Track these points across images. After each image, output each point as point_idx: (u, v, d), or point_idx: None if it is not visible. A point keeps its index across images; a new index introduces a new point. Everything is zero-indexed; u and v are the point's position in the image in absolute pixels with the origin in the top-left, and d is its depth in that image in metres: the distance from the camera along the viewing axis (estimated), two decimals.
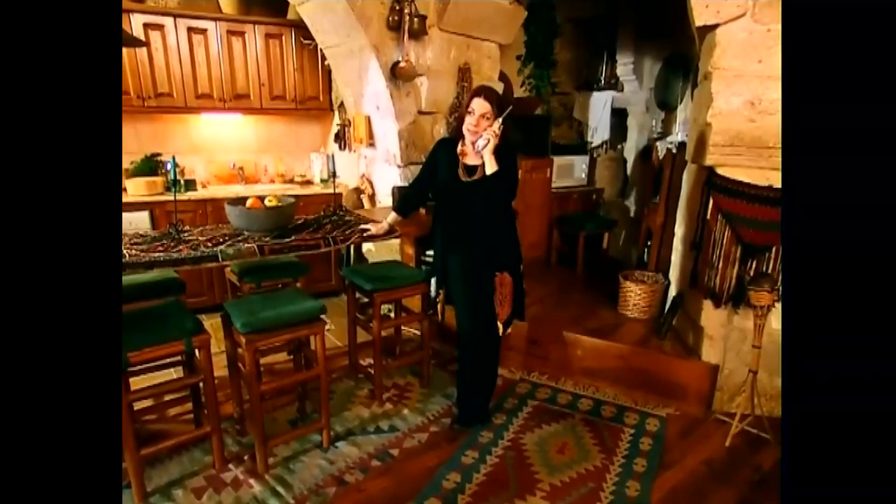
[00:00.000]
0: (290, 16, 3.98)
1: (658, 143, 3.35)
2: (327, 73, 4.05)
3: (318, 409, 2.58)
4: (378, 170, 3.54)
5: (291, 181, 4.36)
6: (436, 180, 2.41)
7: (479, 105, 2.19)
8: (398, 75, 2.97)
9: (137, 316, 2.09)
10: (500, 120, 2.18)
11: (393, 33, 2.97)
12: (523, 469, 2.24)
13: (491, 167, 2.19)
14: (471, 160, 2.30)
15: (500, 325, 2.41)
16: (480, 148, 2.19)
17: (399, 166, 3.31)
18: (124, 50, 3.40)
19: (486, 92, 2.23)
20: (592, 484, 2.14)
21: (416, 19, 2.88)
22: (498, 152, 2.19)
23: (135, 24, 3.43)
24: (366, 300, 2.76)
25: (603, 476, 2.19)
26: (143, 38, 3.45)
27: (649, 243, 3.46)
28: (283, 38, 3.90)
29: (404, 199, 2.63)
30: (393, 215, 2.54)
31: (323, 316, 2.23)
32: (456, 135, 2.36)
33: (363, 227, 2.54)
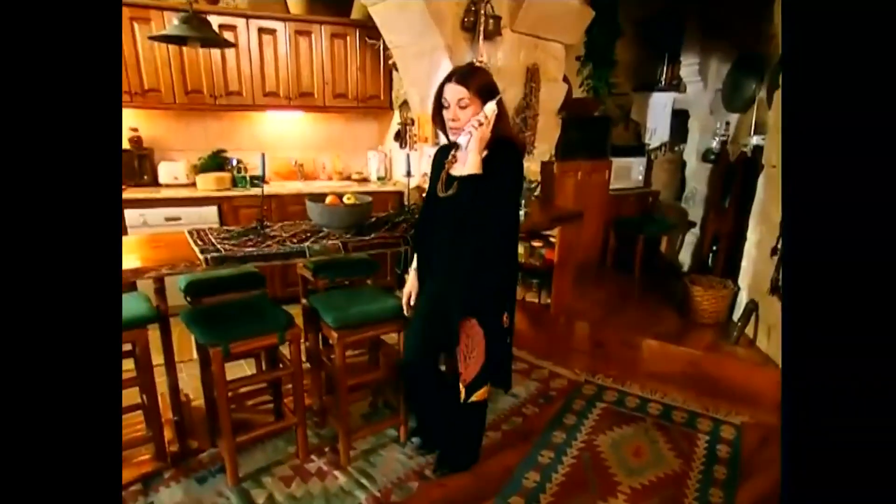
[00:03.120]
0: (354, 15, 4.06)
1: (730, 147, 3.30)
2: (388, 72, 4.11)
3: (389, 403, 2.64)
4: None
5: (348, 178, 4.44)
6: None
7: (452, 91, 1.69)
8: None
9: (235, 308, 2.18)
10: (494, 104, 1.69)
11: (466, 34, 2.99)
12: (601, 471, 2.24)
13: (472, 167, 1.67)
14: (457, 169, 1.80)
15: (461, 388, 1.91)
16: (463, 144, 1.71)
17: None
18: (202, 51, 3.51)
19: (457, 74, 1.72)
20: (673, 489, 2.14)
21: (491, 20, 2.90)
22: (495, 150, 1.72)
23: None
24: None
25: (683, 482, 2.18)
26: None
27: (715, 248, 3.41)
28: (348, 37, 3.97)
29: (416, 237, 2.11)
30: (416, 257, 2.09)
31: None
32: (440, 125, 1.87)
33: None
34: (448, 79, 1.72)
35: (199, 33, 2.49)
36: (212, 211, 3.69)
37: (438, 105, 1.77)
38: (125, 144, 3.75)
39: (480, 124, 1.67)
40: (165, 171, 3.83)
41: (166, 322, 2.24)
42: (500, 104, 1.72)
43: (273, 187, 4.08)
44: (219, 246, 2.21)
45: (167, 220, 3.54)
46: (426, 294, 1.98)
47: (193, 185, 3.85)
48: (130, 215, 3.45)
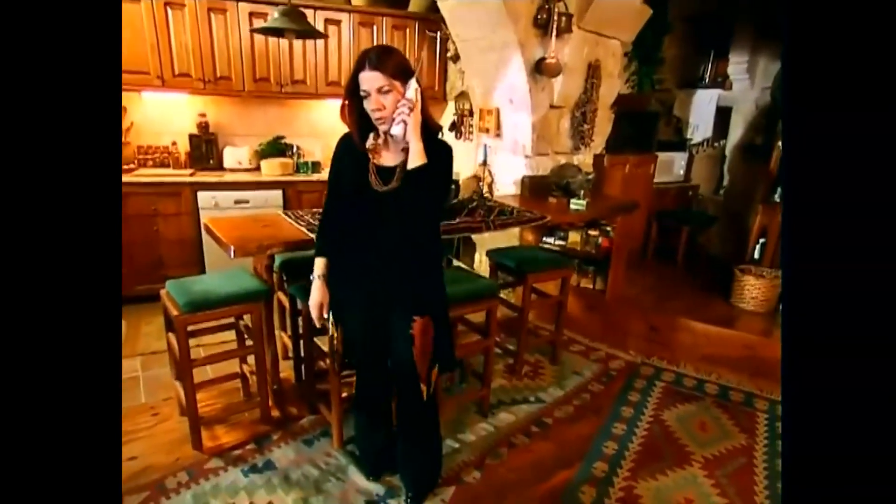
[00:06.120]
0: (412, 8, 4.18)
1: (780, 143, 3.45)
2: (444, 64, 4.24)
3: (465, 378, 2.82)
4: (500, 159, 3.72)
5: None
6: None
7: (369, 80, 1.51)
8: (543, 71, 3.14)
9: None
10: (415, 81, 1.53)
11: (537, 30, 3.13)
12: (673, 442, 2.42)
13: (418, 157, 1.54)
14: (387, 160, 1.65)
15: (422, 387, 1.78)
16: (399, 134, 1.55)
17: (527, 156, 3.49)
18: (272, 41, 3.64)
19: (369, 60, 1.51)
20: (743, 459, 2.32)
21: (563, 17, 3.04)
22: (426, 141, 1.56)
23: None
24: (510, 279, 2.96)
25: (751, 453, 2.36)
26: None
27: (762, 240, 3.58)
28: (408, 29, 4.10)
29: (323, 238, 1.83)
30: (319, 263, 1.80)
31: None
32: (354, 123, 1.64)
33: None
34: (360, 67, 1.52)
35: (298, 25, 2.64)
36: (277, 195, 3.85)
37: (354, 97, 1.58)
38: (193, 129, 3.90)
39: (411, 109, 1.52)
40: (230, 156, 3.98)
41: (271, 297, 2.40)
42: (418, 82, 1.56)
43: None
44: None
45: (236, 202, 3.70)
46: (365, 302, 1.77)
47: (256, 169, 4.00)
48: (203, 197, 3.61)
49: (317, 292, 1.80)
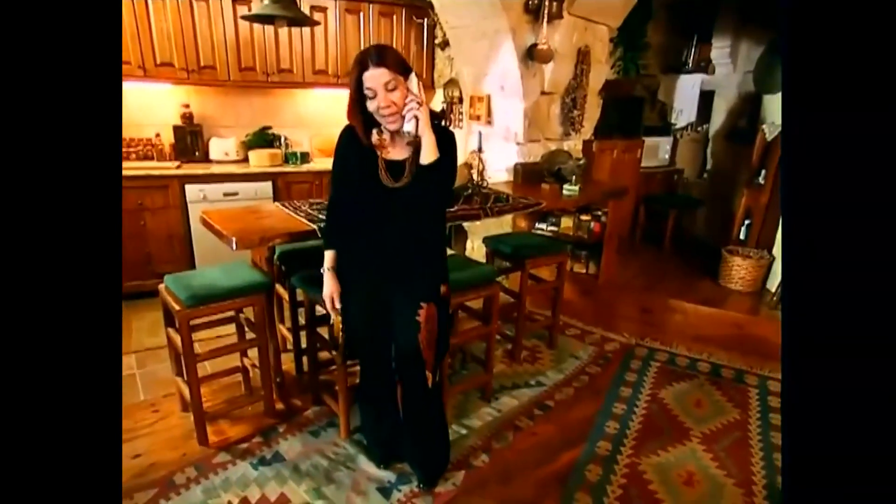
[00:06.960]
0: None
1: (765, 127, 3.53)
2: (431, 51, 4.21)
3: (466, 365, 2.85)
4: (491, 147, 3.71)
5: None
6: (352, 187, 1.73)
7: (374, 77, 1.51)
8: (535, 57, 3.14)
9: None
10: (414, 76, 1.56)
11: (528, 16, 3.13)
12: (671, 419, 2.49)
13: (432, 152, 1.58)
14: (395, 154, 1.67)
15: (428, 375, 1.82)
16: (412, 130, 1.57)
17: (519, 143, 3.50)
18: (257, 29, 3.57)
19: (371, 58, 1.52)
20: (739, 433, 2.40)
21: (555, 3, 3.04)
22: (435, 132, 1.59)
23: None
24: (506, 265, 2.98)
25: (745, 427, 2.45)
26: None
27: (747, 221, 3.67)
28: (394, 16, 4.06)
29: (331, 231, 1.86)
30: (329, 255, 1.82)
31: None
32: (361, 123, 1.63)
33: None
34: (363, 67, 1.53)
35: (289, 12, 2.59)
36: (266, 186, 3.79)
37: (359, 98, 1.57)
38: (177, 120, 3.81)
39: (420, 104, 1.55)
40: (216, 148, 3.90)
41: (272, 289, 2.38)
42: (417, 76, 1.59)
43: (318, 164, 4.17)
44: (321, 216, 2.36)
45: (225, 195, 3.63)
46: (368, 296, 1.82)
47: (243, 161, 3.94)
48: (190, 190, 3.54)
49: (328, 285, 1.84)
